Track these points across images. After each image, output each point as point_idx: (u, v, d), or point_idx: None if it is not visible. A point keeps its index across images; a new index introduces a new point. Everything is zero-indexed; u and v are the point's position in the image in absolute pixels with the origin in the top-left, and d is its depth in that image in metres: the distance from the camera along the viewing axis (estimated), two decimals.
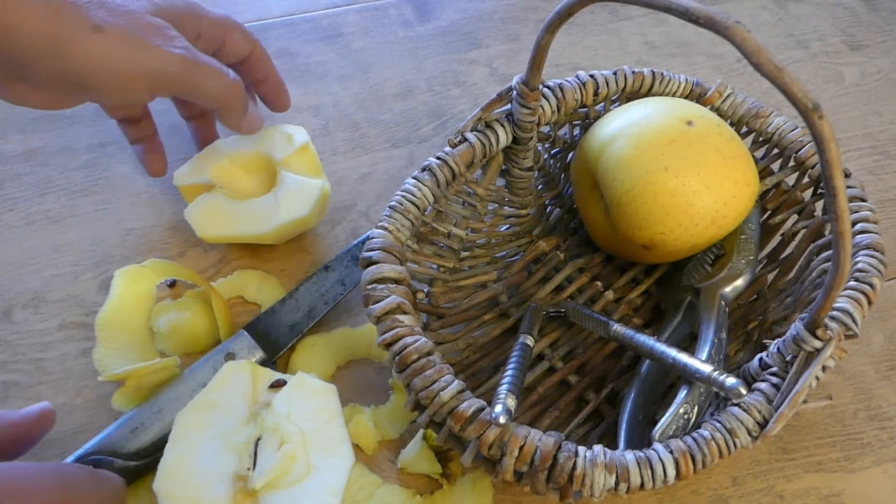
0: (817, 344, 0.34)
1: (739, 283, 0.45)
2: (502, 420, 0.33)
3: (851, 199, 0.42)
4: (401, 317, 0.36)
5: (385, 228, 0.40)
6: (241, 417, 0.39)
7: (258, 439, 0.39)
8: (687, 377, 0.39)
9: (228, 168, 0.50)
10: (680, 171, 0.41)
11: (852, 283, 0.38)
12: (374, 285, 0.37)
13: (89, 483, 0.34)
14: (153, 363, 0.41)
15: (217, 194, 0.49)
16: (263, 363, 0.43)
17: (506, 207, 0.49)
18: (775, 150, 0.47)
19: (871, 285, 0.37)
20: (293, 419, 0.39)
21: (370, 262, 0.38)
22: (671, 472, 0.33)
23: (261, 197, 0.48)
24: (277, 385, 0.41)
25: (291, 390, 0.40)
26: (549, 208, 0.52)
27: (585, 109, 0.47)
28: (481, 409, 0.34)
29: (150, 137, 0.52)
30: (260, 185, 0.50)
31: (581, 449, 0.33)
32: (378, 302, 0.37)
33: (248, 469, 0.38)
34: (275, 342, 0.45)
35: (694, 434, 0.34)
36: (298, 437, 0.38)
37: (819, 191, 0.45)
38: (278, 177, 0.49)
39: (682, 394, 0.39)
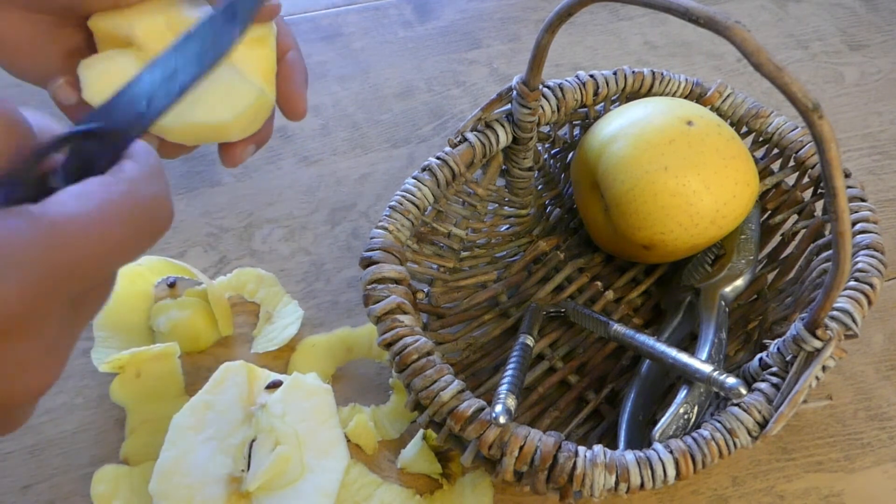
0: (817, 344, 0.34)
1: (739, 283, 0.45)
2: (502, 420, 0.33)
3: (851, 199, 0.42)
4: (401, 317, 0.36)
5: (385, 228, 0.40)
6: (236, 419, 0.39)
7: (253, 440, 0.39)
8: (687, 377, 0.39)
9: (162, 30, 0.38)
10: (680, 171, 0.41)
11: (852, 283, 0.38)
12: (374, 285, 0.37)
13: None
14: (153, 348, 0.41)
15: (131, 58, 0.37)
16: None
17: (506, 207, 0.49)
18: (775, 150, 0.47)
19: (871, 285, 0.37)
20: (288, 420, 0.39)
21: (370, 262, 0.38)
22: (671, 472, 0.33)
23: None
24: (273, 386, 0.41)
25: (287, 391, 0.40)
26: (549, 208, 0.52)
27: (585, 109, 0.47)
28: (481, 409, 0.34)
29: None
30: None
31: (581, 449, 0.33)
32: (378, 302, 0.37)
33: (243, 471, 0.38)
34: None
35: (694, 434, 0.34)
36: (293, 438, 0.38)
37: (819, 191, 0.45)
38: None
39: (682, 394, 0.39)
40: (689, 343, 0.45)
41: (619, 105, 0.47)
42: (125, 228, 0.20)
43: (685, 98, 0.47)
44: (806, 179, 0.45)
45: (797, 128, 0.46)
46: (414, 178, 0.42)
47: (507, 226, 0.50)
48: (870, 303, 0.37)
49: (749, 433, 0.34)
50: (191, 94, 0.33)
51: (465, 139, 0.43)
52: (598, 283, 0.49)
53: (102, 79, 0.36)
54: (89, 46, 0.38)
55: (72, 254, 0.19)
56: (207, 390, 0.40)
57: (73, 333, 0.22)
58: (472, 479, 0.41)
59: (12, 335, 0.19)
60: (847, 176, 0.43)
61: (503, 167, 0.47)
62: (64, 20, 0.37)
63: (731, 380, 0.36)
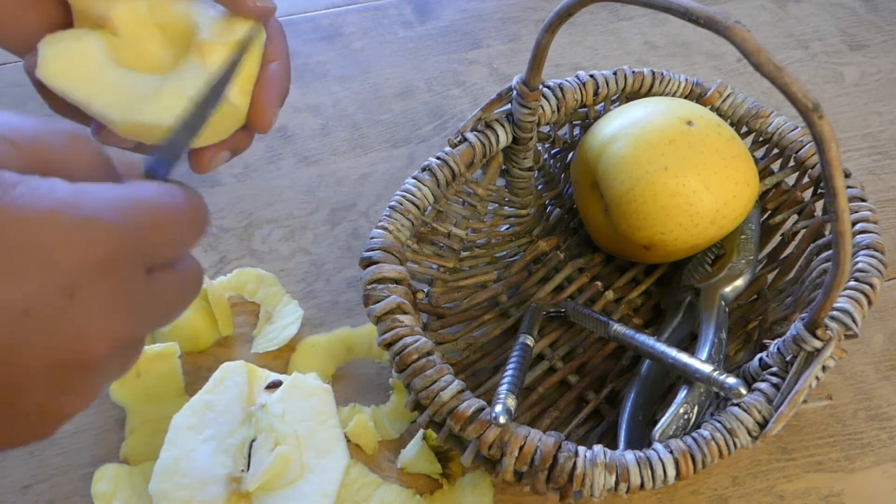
0: (817, 344, 0.34)
1: (739, 283, 0.45)
2: (502, 420, 0.33)
3: (851, 199, 0.42)
4: (401, 317, 0.36)
5: (385, 228, 0.40)
6: (236, 419, 0.39)
7: (253, 440, 0.39)
8: (687, 377, 0.39)
9: (141, 16, 0.36)
10: (680, 171, 0.41)
11: (852, 283, 0.38)
12: (374, 285, 0.37)
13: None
14: (153, 348, 0.41)
15: (98, 41, 0.34)
16: None
17: (506, 207, 0.49)
18: (775, 150, 0.47)
19: (871, 285, 0.37)
20: (288, 420, 0.39)
21: (370, 262, 0.38)
22: (671, 472, 0.33)
23: (147, 74, 0.34)
24: (274, 386, 0.41)
25: (287, 391, 0.40)
26: (549, 208, 0.52)
27: (585, 109, 0.47)
28: (481, 409, 0.34)
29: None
30: (163, 61, 0.36)
31: (581, 449, 0.33)
32: (378, 302, 0.37)
33: (242, 471, 0.38)
34: None
35: (694, 434, 0.34)
36: (293, 438, 0.38)
37: (819, 191, 0.45)
38: (184, 62, 0.35)
39: (682, 394, 0.39)
40: (689, 343, 0.45)
41: (619, 105, 0.47)
42: (186, 210, 0.24)
43: (685, 98, 0.47)
44: (806, 179, 0.45)
45: (797, 128, 0.46)
46: (414, 178, 0.42)
47: (507, 226, 0.50)
48: (870, 303, 0.37)
49: (749, 433, 0.34)
50: (150, 91, 0.33)
51: (465, 139, 0.43)
52: (598, 283, 0.49)
53: (61, 59, 0.33)
54: (68, 22, 0.36)
55: (149, 217, 0.22)
56: (207, 390, 0.40)
57: (145, 311, 0.23)
58: (472, 479, 0.41)
59: (100, 274, 0.21)
60: (847, 176, 0.43)
61: (503, 167, 0.47)
62: None
63: (731, 380, 0.36)
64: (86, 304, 0.21)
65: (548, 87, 0.45)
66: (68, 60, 0.33)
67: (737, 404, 0.35)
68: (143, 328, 0.23)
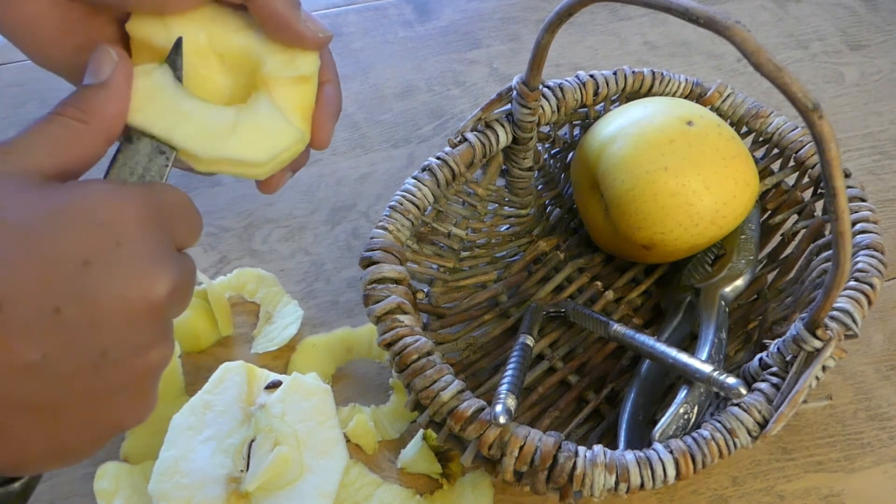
0: (817, 344, 0.34)
1: (739, 283, 0.45)
2: (502, 420, 0.33)
3: (851, 199, 0.42)
4: (401, 317, 0.36)
5: (385, 228, 0.40)
6: (235, 419, 0.39)
7: (252, 441, 0.39)
8: (687, 377, 0.39)
9: (202, 46, 0.36)
10: (680, 171, 0.41)
11: (852, 283, 0.38)
12: (374, 285, 0.37)
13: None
14: None
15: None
16: None
17: (506, 207, 0.49)
18: (775, 150, 0.47)
19: (871, 285, 0.37)
20: (287, 420, 0.39)
21: (370, 262, 0.38)
22: (671, 472, 0.33)
23: (218, 107, 0.35)
24: (273, 386, 0.41)
25: (286, 391, 0.40)
26: (549, 208, 0.52)
27: (585, 109, 0.47)
28: (481, 409, 0.34)
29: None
30: (225, 90, 0.37)
31: (581, 449, 0.33)
32: (378, 302, 0.37)
33: (242, 471, 0.38)
34: None
35: (694, 434, 0.34)
36: (292, 438, 0.38)
37: (819, 191, 0.45)
38: (254, 96, 0.36)
39: (682, 394, 0.39)
40: (689, 343, 0.45)
41: (619, 105, 0.47)
42: (190, 202, 0.30)
43: (685, 98, 0.47)
44: (806, 179, 0.45)
45: (797, 128, 0.46)
46: (414, 178, 0.42)
47: (507, 226, 0.50)
48: (870, 303, 0.37)
49: (749, 433, 0.34)
50: (227, 124, 0.35)
51: (465, 139, 0.43)
52: (598, 283, 0.49)
53: (136, 96, 0.33)
54: (120, 43, 0.35)
55: (168, 196, 0.28)
56: (207, 390, 0.40)
57: (183, 275, 0.27)
58: (472, 479, 0.41)
59: (136, 229, 0.26)
60: (847, 176, 0.43)
61: (503, 167, 0.47)
62: (97, 11, 0.35)
63: (731, 380, 0.36)
64: (132, 251, 0.25)
65: (548, 87, 0.45)
66: (143, 96, 0.33)
67: (737, 404, 0.35)
68: (185, 284, 0.27)
